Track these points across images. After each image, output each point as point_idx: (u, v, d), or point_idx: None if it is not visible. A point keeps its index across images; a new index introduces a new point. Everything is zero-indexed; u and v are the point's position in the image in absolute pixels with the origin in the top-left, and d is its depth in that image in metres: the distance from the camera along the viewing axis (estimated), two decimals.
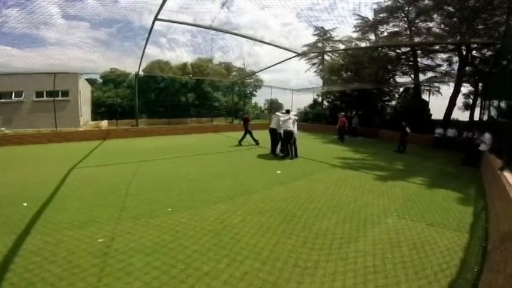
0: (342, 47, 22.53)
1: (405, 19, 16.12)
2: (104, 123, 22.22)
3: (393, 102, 20.32)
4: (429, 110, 17.08)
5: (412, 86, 18.53)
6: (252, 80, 34.29)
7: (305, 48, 25.71)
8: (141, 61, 12.14)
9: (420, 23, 15.57)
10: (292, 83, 59.27)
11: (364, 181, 6.19)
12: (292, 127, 8.39)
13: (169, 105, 26.55)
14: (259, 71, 16.16)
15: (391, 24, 17.09)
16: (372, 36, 18.72)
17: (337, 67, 21.22)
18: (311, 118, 23.17)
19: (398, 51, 18.03)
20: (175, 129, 17.10)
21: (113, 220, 3.76)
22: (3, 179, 6.10)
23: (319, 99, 26.09)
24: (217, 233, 3.35)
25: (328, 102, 24.56)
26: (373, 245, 3.21)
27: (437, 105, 17.28)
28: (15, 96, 17.23)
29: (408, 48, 17.55)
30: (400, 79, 19.82)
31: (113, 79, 29.15)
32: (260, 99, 48.31)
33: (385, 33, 17.33)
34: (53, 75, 13.87)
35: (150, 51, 49.38)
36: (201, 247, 3.01)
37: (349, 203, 4.65)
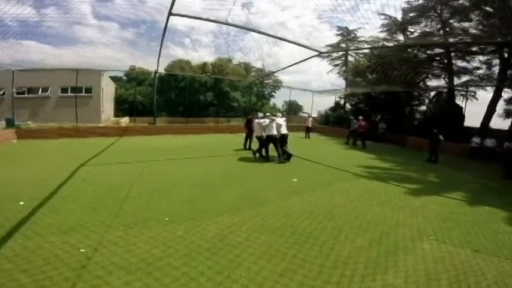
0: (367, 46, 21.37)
1: (438, 19, 14.89)
2: (125, 120, 22.66)
3: (423, 107, 18.88)
4: (464, 116, 15.58)
5: (446, 90, 17.05)
6: (271, 81, 33.70)
7: (328, 48, 24.72)
8: (159, 58, 11.99)
9: (455, 23, 14.30)
10: (313, 84, 57.98)
11: (393, 195, 5.38)
12: (280, 130, 8.22)
13: (188, 104, 26.64)
14: (278, 70, 15.61)
15: (422, 24, 15.98)
16: (401, 37, 17.70)
17: (363, 68, 20.10)
18: (332, 121, 22.17)
19: (430, 52, 16.70)
20: (191, 129, 16.89)
21: (103, 227, 3.37)
22: (10, 173, 6.00)
23: (342, 102, 24.98)
24: (214, 252, 2.82)
25: (351, 105, 23.40)
26: (405, 278, 2.58)
27: (472, 111, 15.76)
28: (42, 92, 17.93)
29: (442, 50, 16.19)
30: (431, 82, 18.39)
31: (135, 77, 29.84)
32: (279, 100, 47.67)
33: (416, 34, 16.19)
34: (76, 72, 14.12)
35: (174, 51, 50.60)
36: (193, 270, 2.51)
37: (377, 223, 3.93)
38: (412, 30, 16.60)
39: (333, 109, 24.49)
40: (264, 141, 8.30)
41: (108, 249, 2.85)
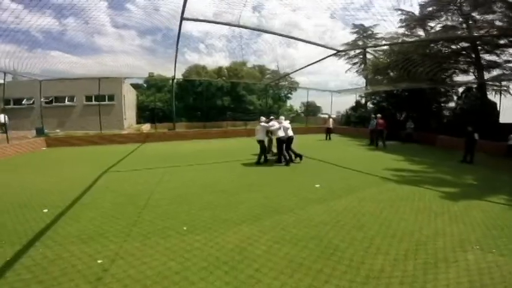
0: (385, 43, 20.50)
1: (459, 12, 14.00)
2: (146, 127, 23.28)
3: (451, 104, 17.72)
4: (498, 112, 14.40)
5: (475, 85, 15.91)
6: (287, 83, 33.31)
7: (345, 47, 24.04)
8: (175, 64, 12.14)
9: (477, 16, 13.35)
10: (330, 84, 56.65)
11: (428, 200, 4.92)
12: (287, 133, 8.20)
13: (206, 109, 26.93)
14: (294, 71, 15.20)
15: (442, 18, 15.10)
16: (421, 32, 16.87)
17: (383, 65, 19.27)
18: (354, 121, 21.42)
19: (455, 47, 15.71)
20: (209, 133, 16.97)
21: (122, 237, 3.31)
22: (37, 180, 6.24)
23: (362, 101, 24.12)
24: (233, 266, 2.64)
25: (373, 103, 22.50)
26: None
27: (508, 106, 14.54)
28: (68, 101, 18.85)
29: (467, 44, 15.18)
30: (459, 78, 17.23)
31: (155, 84, 30.69)
32: (296, 102, 47.07)
33: (437, 28, 15.35)
34: (99, 81, 14.66)
35: (191, 57, 51.77)
36: (210, 285, 2.34)
37: (412, 232, 3.55)
38: (433, 24, 15.77)
39: (354, 108, 23.70)
40: (265, 146, 8.30)
41: (125, 260, 2.77)
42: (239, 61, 30.24)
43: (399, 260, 2.80)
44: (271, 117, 8.85)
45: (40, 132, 14.01)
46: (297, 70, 14.64)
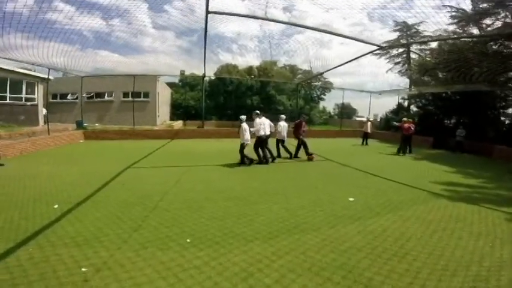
0: (432, 43, 18.46)
1: None
2: (178, 124, 23.86)
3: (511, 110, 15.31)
4: None
5: None
6: (320, 83, 31.91)
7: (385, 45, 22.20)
8: (204, 61, 12.00)
9: None
10: (367, 86, 53.44)
11: (491, 223, 3.92)
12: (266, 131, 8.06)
13: (235, 108, 26.86)
14: (328, 70, 14.22)
15: (501, 15, 13.04)
16: (475, 30, 14.84)
17: (431, 65, 17.30)
18: (394, 126, 19.64)
19: None
20: (237, 132, 16.69)
21: (118, 243, 2.96)
22: (65, 172, 6.33)
23: (405, 104, 22.07)
24: None
25: (417, 107, 20.43)
26: None
27: None
28: (107, 96, 19.97)
29: None
30: None
31: (188, 82, 31.48)
32: (329, 103, 45.25)
33: (495, 25, 13.30)
34: (133, 78, 15.16)
35: (223, 57, 52.76)
36: None
37: (470, 263, 2.75)
38: (489, 22, 13.75)
39: (395, 112, 21.77)
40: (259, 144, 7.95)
41: (112, 271, 2.42)
42: (269, 60, 29.74)
43: None
44: (257, 113, 8.21)
45: (80, 125, 14.88)
46: (332, 69, 13.65)
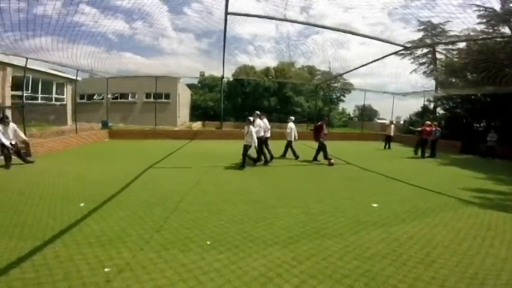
0: (460, 43, 17.54)
1: None
2: (197, 125, 24.29)
3: None
4: None
5: None
6: (339, 84, 31.20)
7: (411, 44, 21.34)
8: (223, 62, 12.13)
9: None
10: (389, 87, 51.53)
11: None
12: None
13: (253, 109, 26.95)
14: (348, 71, 13.87)
15: None
16: (506, 30, 14.22)
17: (459, 66, 16.40)
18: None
19: None
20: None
21: (140, 244, 3.02)
22: (90, 171, 6.61)
23: (431, 106, 21.09)
24: None
25: (444, 109, 19.46)
26: None
27: None
28: (130, 97, 20.73)
29: None
30: None
31: (207, 84, 31.99)
32: (349, 105, 44.19)
33: None
34: (155, 80, 15.62)
35: (241, 59, 53.26)
36: None
37: (500, 271, 2.62)
38: None
39: (419, 114, 20.85)
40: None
41: (134, 272, 2.45)
42: (287, 61, 29.53)
43: None
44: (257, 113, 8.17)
45: (105, 125, 15.53)
46: (353, 70, 13.33)
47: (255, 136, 7.32)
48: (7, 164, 6.79)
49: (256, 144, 7.45)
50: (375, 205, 4.72)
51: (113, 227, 3.43)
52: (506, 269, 2.69)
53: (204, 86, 32.74)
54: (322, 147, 8.75)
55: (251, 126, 7.36)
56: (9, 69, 12.67)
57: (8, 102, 12.48)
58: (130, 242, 3.05)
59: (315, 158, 8.99)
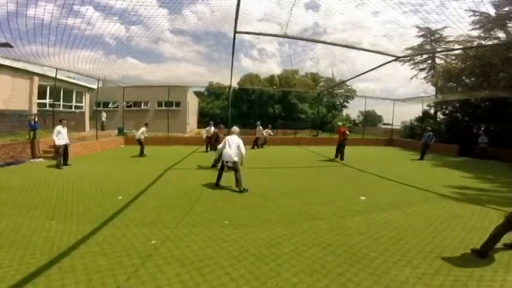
0: (457, 47, 18.18)
1: None
2: (205, 131, 25.31)
3: None
4: None
5: None
6: (343, 90, 31.99)
7: (407, 52, 22.04)
8: (231, 75, 13.18)
9: None
10: (398, 91, 51.79)
11: (489, 221, 4.35)
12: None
13: (258, 117, 27.90)
14: (351, 78, 14.64)
15: None
16: (501, 34, 14.75)
17: (457, 71, 17.13)
18: (419, 134, 19.40)
19: None
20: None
21: (174, 223, 3.94)
22: (117, 172, 7.61)
23: (431, 111, 21.73)
24: (259, 259, 2.95)
25: (444, 114, 20.10)
26: None
27: None
28: (143, 105, 21.98)
29: None
30: None
31: (214, 92, 33.18)
32: (353, 110, 44.66)
33: None
34: (168, 89, 16.78)
35: (245, 63, 54.27)
36: (236, 272, 2.69)
37: (455, 249, 3.33)
38: None
39: (420, 119, 21.51)
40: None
41: (173, 243, 3.33)
42: (291, 69, 30.59)
43: (427, 275, 2.72)
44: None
45: (121, 131, 16.67)
46: (354, 77, 14.17)
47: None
48: (60, 163, 7.98)
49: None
50: (363, 198, 5.59)
51: (150, 213, 4.37)
52: (460, 246, 3.39)
53: (211, 94, 34.00)
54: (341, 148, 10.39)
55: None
56: (35, 78, 13.98)
57: (35, 109, 13.74)
58: (166, 222, 3.98)
59: (342, 158, 10.58)
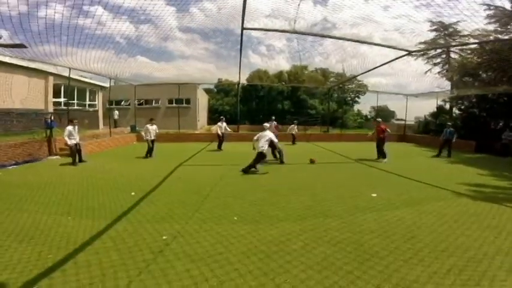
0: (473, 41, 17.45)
1: None
2: (215, 128, 25.50)
3: None
4: None
5: None
6: (354, 85, 31.40)
7: (421, 46, 21.33)
8: (239, 71, 13.30)
9: None
10: (411, 86, 50.32)
11: (506, 219, 4.25)
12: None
13: (267, 113, 27.84)
14: (361, 73, 14.38)
15: None
16: None
17: (473, 66, 16.47)
18: (434, 130, 18.86)
19: None
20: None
21: (185, 219, 4.01)
22: (130, 168, 7.81)
23: (446, 106, 21.06)
24: (268, 255, 2.97)
25: (460, 109, 19.44)
26: None
27: None
28: (154, 103, 22.35)
29: None
30: None
31: (223, 88, 33.28)
32: (365, 106, 43.86)
33: None
34: (178, 86, 16.98)
35: (254, 59, 54.16)
36: (244, 267, 2.72)
37: (468, 248, 3.24)
38: None
39: (434, 115, 20.91)
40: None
41: (184, 238, 3.39)
42: (300, 65, 30.20)
43: (439, 274, 2.66)
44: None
45: (133, 129, 17.02)
46: (366, 72, 13.91)
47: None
48: (75, 161, 8.34)
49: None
50: (374, 195, 5.50)
51: (162, 209, 4.46)
52: (474, 246, 3.30)
53: (220, 90, 34.13)
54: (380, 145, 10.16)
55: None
56: (50, 78, 14.42)
57: (51, 107, 14.20)
58: (177, 218, 4.06)
59: (384, 156, 10.18)
